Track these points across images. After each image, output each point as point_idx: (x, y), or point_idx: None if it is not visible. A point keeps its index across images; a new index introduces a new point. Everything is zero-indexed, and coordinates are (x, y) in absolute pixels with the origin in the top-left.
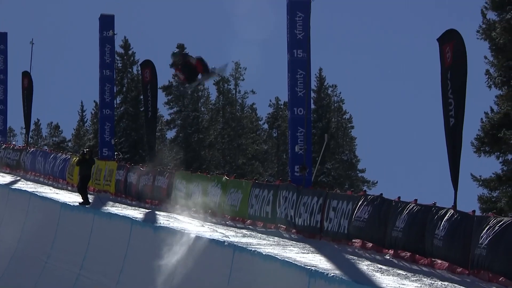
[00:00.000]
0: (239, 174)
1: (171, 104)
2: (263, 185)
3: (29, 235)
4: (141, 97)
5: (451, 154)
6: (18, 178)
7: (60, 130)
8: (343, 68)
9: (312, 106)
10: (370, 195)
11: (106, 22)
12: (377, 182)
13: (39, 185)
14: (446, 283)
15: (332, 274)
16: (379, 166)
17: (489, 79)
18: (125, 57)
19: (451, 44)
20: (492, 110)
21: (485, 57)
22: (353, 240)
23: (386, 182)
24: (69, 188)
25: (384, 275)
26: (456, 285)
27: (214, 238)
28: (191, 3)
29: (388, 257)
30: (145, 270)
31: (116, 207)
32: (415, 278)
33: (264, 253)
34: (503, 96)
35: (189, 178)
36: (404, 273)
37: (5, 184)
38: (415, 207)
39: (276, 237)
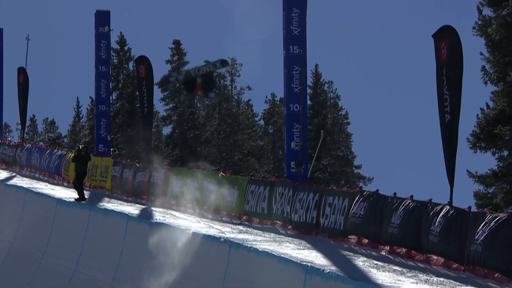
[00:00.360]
0: (235, 170)
1: (167, 100)
2: (259, 181)
3: (24, 231)
4: (137, 93)
5: (447, 150)
6: (14, 174)
7: (56, 126)
8: (339, 65)
9: (308, 102)
10: (366, 191)
11: (102, 18)
12: (373, 178)
13: (34, 181)
14: (442, 279)
15: (328, 270)
16: (375, 162)
17: (485, 75)
18: (120, 53)
19: (446, 41)
20: (488, 106)
21: (481, 53)
22: (349, 236)
23: (382, 178)
24: (65, 184)
25: (380, 271)
26: (452, 281)
27: (210, 234)
28: None
29: (384, 253)
30: (141, 266)
31: (112, 203)
32: (411, 274)
33: (260, 249)
34: (499, 92)
35: (185, 174)
36: (400, 269)
37: (1, 180)
38: (411, 203)
39: (272, 233)
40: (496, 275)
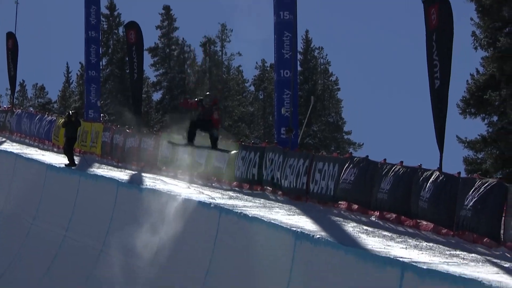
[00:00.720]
0: (225, 136)
1: (157, 66)
2: (250, 147)
3: (15, 197)
4: (127, 58)
5: (437, 116)
6: (4, 139)
7: (46, 92)
8: (329, 30)
9: (299, 68)
10: (356, 157)
11: None
12: (363, 144)
13: (25, 146)
14: (431, 244)
15: (318, 236)
16: (365, 128)
17: (475, 41)
18: (110, 18)
19: (436, 6)
20: (477, 71)
21: (471, 19)
22: (339, 202)
23: (372, 144)
24: (55, 149)
25: (369, 236)
26: (441, 246)
27: (200, 200)
28: None
29: (374, 219)
30: (132, 231)
31: (102, 168)
32: (401, 240)
33: (250, 215)
34: (489, 58)
35: (175, 140)
36: (390, 235)
37: None
38: (400, 169)
39: (262, 199)
40: (485, 240)
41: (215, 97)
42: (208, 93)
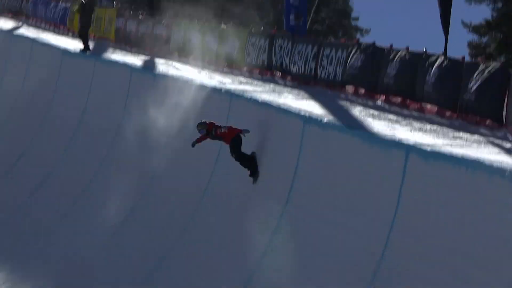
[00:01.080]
0: (235, 23)
1: None
2: (259, 34)
3: (31, 81)
4: None
5: (442, 1)
6: (20, 23)
7: None
8: None
9: None
10: (363, 43)
11: None
12: (370, 29)
13: (40, 30)
14: (435, 126)
15: (326, 120)
16: (372, 13)
17: None
18: None
19: None
20: None
21: None
22: (346, 87)
23: (379, 29)
24: (70, 34)
25: (376, 120)
26: (445, 128)
27: (212, 85)
28: None
29: (380, 103)
30: (145, 115)
31: (116, 54)
32: (406, 123)
33: (260, 100)
34: None
35: (187, 26)
36: (395, 118)
37: (8, 30)
38: (406, 55)
39: (271, 84)
40: (487, 122)
41: (209, 123)
42: (198, 123)
